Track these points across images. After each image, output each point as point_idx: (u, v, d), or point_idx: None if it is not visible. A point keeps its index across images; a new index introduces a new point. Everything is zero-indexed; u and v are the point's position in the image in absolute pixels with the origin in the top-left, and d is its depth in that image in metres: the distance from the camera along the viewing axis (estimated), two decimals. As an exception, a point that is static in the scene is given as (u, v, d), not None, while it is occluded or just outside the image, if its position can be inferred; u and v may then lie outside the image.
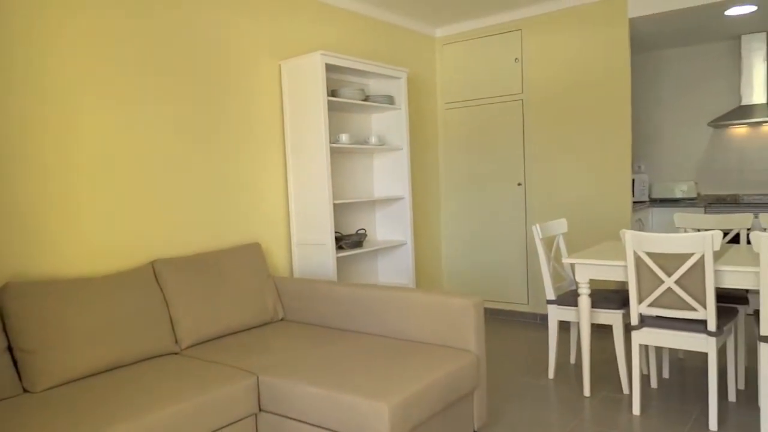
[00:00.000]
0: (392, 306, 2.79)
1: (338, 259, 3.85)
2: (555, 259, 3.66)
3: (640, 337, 2.83)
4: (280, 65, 3.57)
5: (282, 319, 3.18)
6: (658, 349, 3.43)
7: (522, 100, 4.61)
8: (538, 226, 3.37)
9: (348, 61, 3.58)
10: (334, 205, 3.85)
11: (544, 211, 4.58)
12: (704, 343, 2.66)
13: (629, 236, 2.75)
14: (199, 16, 3.14)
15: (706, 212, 4.82)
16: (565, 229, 3.66)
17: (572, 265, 3.71)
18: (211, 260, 2.96)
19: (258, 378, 2.33)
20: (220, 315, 2.83)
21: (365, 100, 3.81)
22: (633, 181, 5.17)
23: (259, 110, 3.47)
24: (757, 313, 2.66)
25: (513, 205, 4.74)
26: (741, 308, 3.12)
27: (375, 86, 4.19)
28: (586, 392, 3.12)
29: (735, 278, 2.65)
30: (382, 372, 2.25)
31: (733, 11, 4.08)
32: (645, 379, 3.28)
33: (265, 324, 3.07)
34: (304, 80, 3.45)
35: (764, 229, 3.44)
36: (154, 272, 2.77)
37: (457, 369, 2.37)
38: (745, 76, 4.93)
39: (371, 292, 2.87)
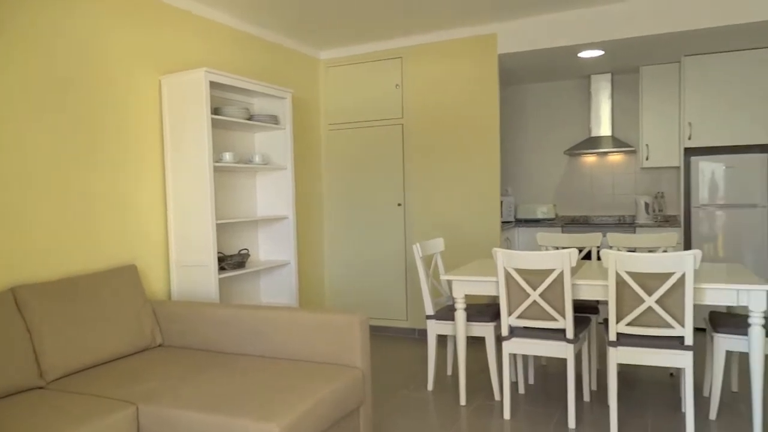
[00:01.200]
0: (278, 326, 2.80)
1: (220, 281, 3.77)
2: (433, 275, 3.87)
3: (510, 346, 3.08)
4: (160, 80, 3.46)
5: (160, 345, 3.05)
6: (525, 358, 3.73)
7: (402, 124, 4.84)
8: (418, 245, 3.55)
9: (233, 80, 3.56)
10: (217, 225, 3.77)
11: (423, 230, 4.81)
12: (564, 350, 2.96)
13: (500, 254, 2.99)
14: (73, 24, 2.97)
15: (563, 231, 5.33)
16: (442, 248, 3.88)
17: (450, 282, 3.94)
18: (82, 284, 2.78)
19: (138, 408, 2.23)
20: (91, 343, 2.66)
21: (249, 119, 3.80)
22: (501, 203, 5.59)
23: (137, 126, 3.33)
24: (606, 321, 3.01)
25: (393, 225, 4.93)
26: (593, 317, 3.51)
27: (259, 105, 4.18)
28: (462, 401, 3.31)
29: (588, 291, 2.99)
30: (270, 393, 2.25)
31: (584, 54, 4.61)
32: (514, 385, 3.56)
33: (143, 351, 2.93)
34: (187, 97, 3.37)
35: (611, 247, 3.89)
36: (15, 299, 2.54)
37: (345, 385, 2.44)
38: (593, 111, 5.56)
39: (256, 312, 2.86)
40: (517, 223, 5.61)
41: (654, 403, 3.25)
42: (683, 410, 3.08)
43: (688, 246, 4.90)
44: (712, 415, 3.00)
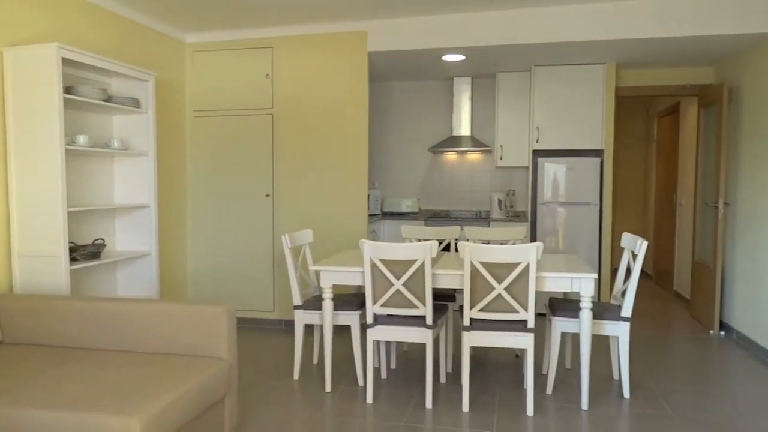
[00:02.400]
0: (140, 319, 2.69)
1: (72, 272, 3.50)
2: (301, 267, 3.92)
3: (374, 334, 3.23)
4: (2, 52, 3.14)
5: (1, 342, 2.79)
6: (388, 344, 3.91)
7: (272, 114, 4.81)
8: (287, 236, 3.58)
9: (89, 58, 3.32)
10: (69, 212, 3.50)
11: (291, 222, 4.83)
12: (423, 335, 3.16)
13: (367, 246, 3.12)
14: None
15: (426, 224, 5.62)
16: (311, 239, 3.94)
17: (317, 272, 4.01)
18: None
19: (-26, 409, 2.04)
20: None
21: (107, 100, 3.57)
22: (369, 196, 5.76)
23: (-28, 101, 3.00)
24: (462, 308, 3.26)
25: (261, 216, 4.89)
26: (450, 305, 3.77)
27: (119, 87, 3.93)
28: (328, 388, 3.41)
29: (447, 280, 3.22)
30: (131, 388, 2.17)
31: (447, 57, 4.89)
32: (377, 371, 3.73)
33: (-22, 348, 2.66)
34: (35, 73, 3.09)
35: (467, 240, 4.20)
36: None
37: (210, 377, 2.42)
38: (455, 111, 5.91)
39: (115, 305, 2.72)
40: (383, 216, 5.81)
41: (501, 381, 3.58)
42: (525, 386, 3.43)
43: (534, 239, 5.41)
44: (549, 389, 3.38)
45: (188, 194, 5.00)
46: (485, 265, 3.03)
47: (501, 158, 5.63)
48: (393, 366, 3.85)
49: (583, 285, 3.08)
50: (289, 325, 4.88)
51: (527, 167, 5.66)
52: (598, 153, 5.29)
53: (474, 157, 6.07)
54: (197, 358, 2.58)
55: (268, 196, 4.86)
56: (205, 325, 2.63)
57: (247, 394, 3.36)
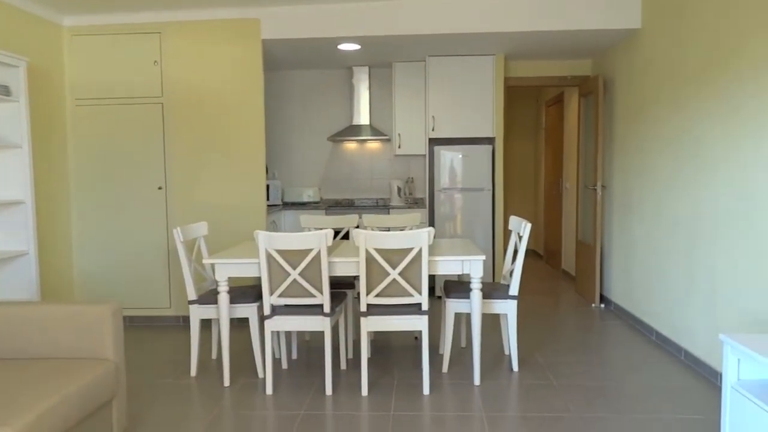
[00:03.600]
0: (16, 323, 2.51)
1: (-66, 276, 3.20)
2: (196, 260, 3.81)
3: (272, 324, 3.21)
4: None
5: None
6: (288, 334, 3.91)
7: (162, 103, 4.61)
8: (179, 229, 3.46)
9: (-55, 41, 3.02)
10: (-73, 210, 3.19)
11: (186, 215, 4.67)
12: (321, 324, 3.19)
13: (262, 236, 3.09)
14: None
15: (327, 214, 5.64)
16: (205, 232, 3.84)
17: (213, 265, 3.91)
18: None
19: None
20: None
21: (-30, 88, 3.27)
22: (268, 186, 5.69)
23: None
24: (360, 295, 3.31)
25: (154, 209, 4.69)
26: (349, 292, 3.82)
27: (-17, 73, 3.62)
28: (226, 382, 3.36)
29: (343, 267, 3.26)
30: (4, 397, 2.03)
31: (343, 46, 4.91)
32: (278, 362, 3.71)
33: None
34: None
35: (365, 228, 4.26)
36: None
37: (94, 380, 2.31)
38: (355, 101, 5.95)
39: (-16, 310, 2.52)
40: (284, 206, 5.76)
41: (401, 363, 3.69)
42: (422, 367, 3.55)
43: (432, 224, 5.58)
44: (445, 368, 3.52)
45: (72, 188, 4.69)
46: (380, 251, 3.09)
47: (399, 147, 5.75)
48: (294, 356, 3.86)
49: (473, 267, 3.23)
50: (187, 321, 4.72)
51: (424, 155, 5.81)
52: (490, 141, 5.53)
53: (373, 145, 6.15)
54: (81, 360, 2.45)
55: (160, 188, 4.66)
56: (89, 325, 2.50)
57: (140, 395, 3.23)
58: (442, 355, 3.77)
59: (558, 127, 7.02)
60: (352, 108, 5.97)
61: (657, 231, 4.09)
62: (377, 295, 3.14)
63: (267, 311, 3.20)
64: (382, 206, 5.71)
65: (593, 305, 5.18)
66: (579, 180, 5.73)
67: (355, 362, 3.72)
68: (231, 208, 4.66)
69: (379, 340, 4.20)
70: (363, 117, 5.97)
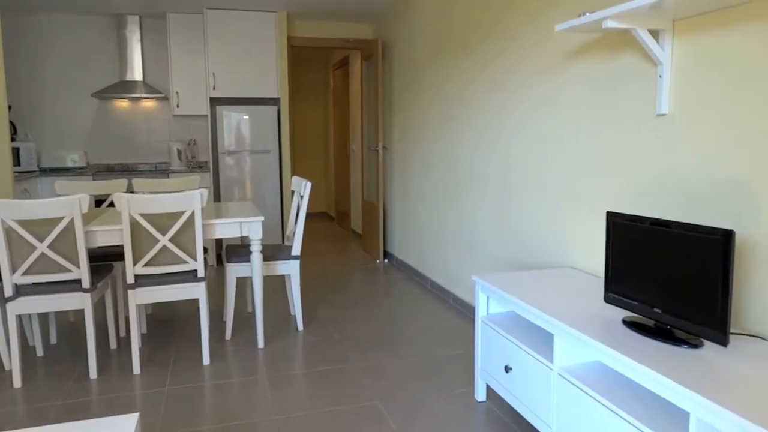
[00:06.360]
0: None
1: None
2: None
3: (16, 307, 2.76)
4: None
5: None
6: (44, 318, 3.43)
7: None
8: None
9: None
10: None
11: None
12: (81, 301, 2.83)
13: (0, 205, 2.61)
14: None
15: (94, 180, 5.04)
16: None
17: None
18: None
19: None
20: None
21: None
22: (19, 150, 4.88)
23: None
24: (126, 265, 3.00)
25: None
26: (118, 264, 3.46)
27: None
28: (-39, 380, 2.84)
29: (105, 236, 2.91)
30: None
31: (102, -11, 4.33)
32: (31, 349, 3.24)
33: None
34: None
35: (137, 194, 3.88)
36: None
37: None
38: (126, 54, 5.34)
39: None
40: (41, 172, 5.01)
41: (181, 336, 3.46)
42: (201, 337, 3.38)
43: (218, 189, 5.32)
44: (228, 335, 3.40)
45: None
46: (146, 216, 2.83)
47: (178, 106, 5.34)
48: (54, 341, 3.40)
49: (252, 229, 3.12)
50: None
51: (206, 116, 5.48)
52: (275, 101, 5.40)
53: (149, 104, 5.62)
54: None
55: None
56: None
57: None
58: (225, 323, 3.64)
59: (344, 90, 7.14)
60: (123, 62, 5.36)
61: (430, 188, 4.39)
62: (146, 265, 2.87)
63: (9, 292, 2.73)
64: (162, 171, 5.28)
65: (378, 261, 5.44)
66: (363, 142, 5.91)
67: (127, 340, 3.40)
68: (-36, 176, 3.90)
69: (160, 313, 3.90)
70: (136, 73, 5.41)
